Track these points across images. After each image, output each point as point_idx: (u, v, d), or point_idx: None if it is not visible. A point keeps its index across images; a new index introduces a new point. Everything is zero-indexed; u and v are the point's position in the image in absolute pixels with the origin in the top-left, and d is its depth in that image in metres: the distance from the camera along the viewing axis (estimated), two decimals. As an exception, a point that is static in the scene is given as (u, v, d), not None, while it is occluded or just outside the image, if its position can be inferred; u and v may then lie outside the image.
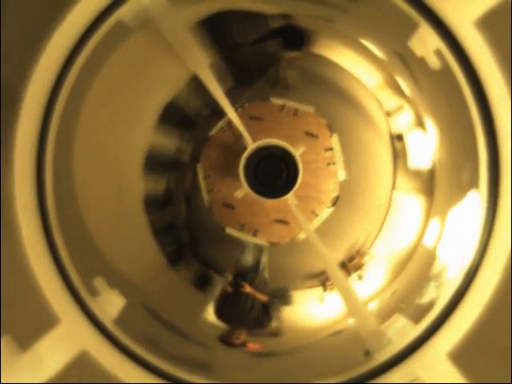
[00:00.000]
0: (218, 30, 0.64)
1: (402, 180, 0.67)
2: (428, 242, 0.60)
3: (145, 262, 0.66)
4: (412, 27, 0.50)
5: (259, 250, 0.70)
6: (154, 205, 0.68)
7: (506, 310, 0.44)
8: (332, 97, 0.69)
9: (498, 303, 0.45)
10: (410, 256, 0.62)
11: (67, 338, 0.46)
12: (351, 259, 0.67)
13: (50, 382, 0.44)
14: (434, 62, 0.51)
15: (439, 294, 0.49)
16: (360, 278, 0.67)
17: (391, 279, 0.64)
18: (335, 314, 0.65)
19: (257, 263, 0.70)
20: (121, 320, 0.50)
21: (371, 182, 0.69)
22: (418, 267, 0.60)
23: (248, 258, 0.70)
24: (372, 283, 0.65)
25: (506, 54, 0.44)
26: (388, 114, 0.68)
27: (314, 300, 0.68)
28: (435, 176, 0.62)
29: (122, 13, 0.50)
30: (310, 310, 0.68)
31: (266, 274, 0.70)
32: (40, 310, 0.46)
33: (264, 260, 0.70)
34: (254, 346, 0.64)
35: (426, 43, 0.50)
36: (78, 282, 0.49)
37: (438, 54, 0.49)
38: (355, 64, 0.68)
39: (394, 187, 0.67)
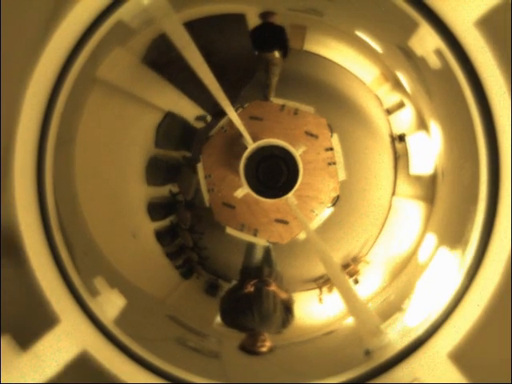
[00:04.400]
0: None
1: (403, 185, 0.67)
2: (427, 244, 0.60)
3: (162, 279, 0.67)
4: (412, 27, 0.50)
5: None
6: (158, 210, 0.68)
7: (506, 310, 0.44)
8: (330, 96, 0.69)
9: (498, 303, 0.45)
10: (409, 258, 0.62)
11: (67, 338, 0.46)
12: (346, 266, 0.67)
13: (50, 382, 0.45)
14: (434, 62, 0.51)
15: (439, 295, 0.49)
16: (357, 281, 0.66)
17: (390, 280, 0.64)
18: (334, 313, 0.65)
19: (267, 256, 0.68)
20: (121, 320, 0.51)
21: (372, 183, 0.69)
22: (417, 269, 0.60)
23: (258, 252, 0.68)
24: (371, 284, 0.65)
25: (506, 54, 0.44)
26: (388, 112, 0.68)
27: (313, 300, 0.68)
28: (436, 181, 0.62)
29: (122, 13, 0.50)
30: (310, 310, 0.67)
31: (279, 268, 0.68)
32: (40, 310, 0.46)
33: (273, 253, 0.68)
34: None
35: (426, 43, 0.50)
36: (78, 282, 0.49)
37: (439, 53, 0.49)
38: (350, 59, 0.67)
39: (394, 193, 0.67)
